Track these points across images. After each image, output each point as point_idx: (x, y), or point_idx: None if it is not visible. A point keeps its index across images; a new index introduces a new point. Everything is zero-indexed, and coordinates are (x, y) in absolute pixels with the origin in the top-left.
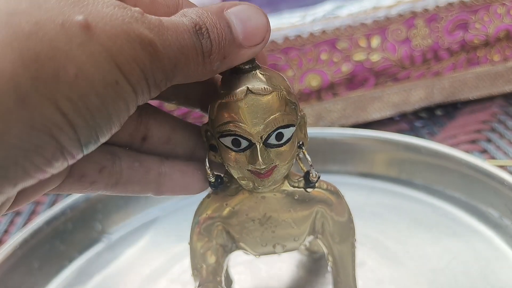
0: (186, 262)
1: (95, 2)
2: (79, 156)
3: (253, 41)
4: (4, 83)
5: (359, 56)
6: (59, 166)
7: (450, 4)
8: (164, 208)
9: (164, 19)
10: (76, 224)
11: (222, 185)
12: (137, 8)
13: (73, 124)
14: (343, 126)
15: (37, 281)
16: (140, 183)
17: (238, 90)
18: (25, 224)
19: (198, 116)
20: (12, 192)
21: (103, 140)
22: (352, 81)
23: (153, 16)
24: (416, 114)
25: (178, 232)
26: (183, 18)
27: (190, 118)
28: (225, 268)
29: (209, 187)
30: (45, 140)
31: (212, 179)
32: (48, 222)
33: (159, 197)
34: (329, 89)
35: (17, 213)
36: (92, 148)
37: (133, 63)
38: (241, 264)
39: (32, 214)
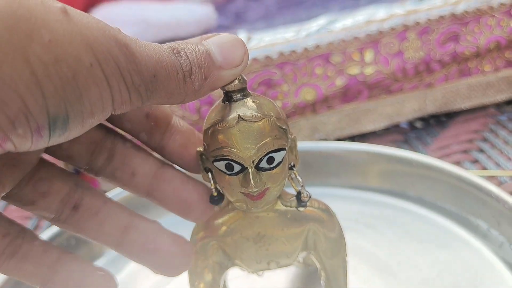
0: (185, 277)
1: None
2: (45, 136)
3: (232, 62)
4: None
5: (352, 70)
6: (22, 138)
7: (441, 17)
8: (163, 223)
9: (139, 40)
10: (79, 240)
11: (222, 201)
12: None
13: (42, 86)
14: (338, 138)
15: None
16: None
17: (230, 117)
18: None
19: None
20: None
21: (73, 128)
22: (346, 94)
23: (128, 36)
24: (410, 124)
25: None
26: (159, 45)
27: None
28: (221, 284)
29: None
30: (10, 96)
31: (215, 193)
32: (52, 238)
33: (158, 212)
34: (323, 102)
35: None
36: (59, 133)
37: (108, 54)
38: (238, 278)
39: (36, 229)
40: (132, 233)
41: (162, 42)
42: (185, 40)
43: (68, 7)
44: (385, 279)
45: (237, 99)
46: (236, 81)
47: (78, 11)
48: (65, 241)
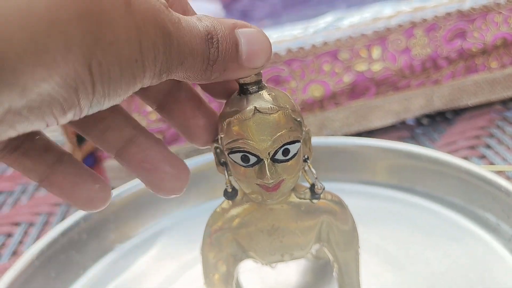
0: (197, 269)
1: None
2: (80, 117)
3: (253, 64)
4: (57, 30)
5: (360, 66)
6: (62, 121)
7: (448, 14)
8: (174, 217)
9: (182, 17)
10: (90, 234)
11: (236, 196)
12: (163, 0)
13: (95, 87)
14: (345, 134)
15: None
16: None
17: (246, 109)
18: (39, 234)
19: None
20: (13, 133)
21: (101, 109)
22: (354, 91)
23: (173, 12)
24: (417, 121)
25: (188, 241)
26: (198, 22)
27: None
28: (235, 276)
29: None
30: (70, 94)
31: (230, 189)
32: (63, 233)
33: (167, 208)
34: (331, 99)
35: (31, 224)
36: (90, 113)
37: (151, 47)
38: (250, 271)
39: (46, 224)
40: (133, 148)
41: None
42: (221, 20)
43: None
44: (394, 273)
45: (252, 92)
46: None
47: None
48: (76, 235)
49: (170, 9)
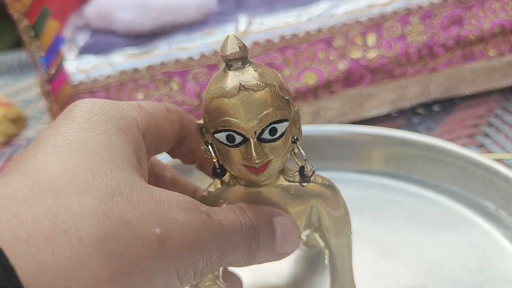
0: None
1: (170, 208)
2: None
3: (285, 250)
4: None
5: (355, 54)
6: None
7: (445, 0)
8: None
9: (224, 219)
10: None
11: (225, 175)
12: (205, 209)
13: None
14: (340, 123)
15: None
16: None
17: (231, 86)
18: None
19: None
20: None
21: None
22: (349, 79)
23: (216, 218)
24: (413, 110)
25: None
26: (241, 217)
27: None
28: None
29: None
30: None
31: (218, 166)
32: None
33: None
34: (326, 87)
35: None
36: None
37: (188, 267)
38: None
39: None
40: None
41: (162, 26)
42: (261, 210)
43: (164, 229)
44: (389, 261)
45: (238, 68)
46: (237, 48)
47: (174, 224)
48: None
49: (211, 215)
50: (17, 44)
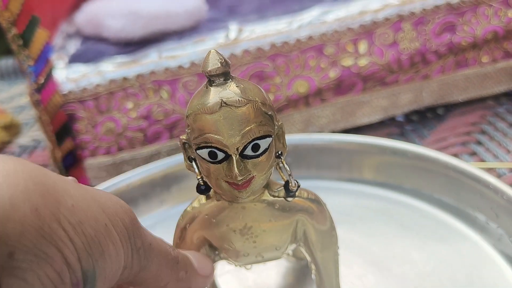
0: None
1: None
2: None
3: (204, 272)
4: (19, 194)
5: (346, 61)
6: None
7: (437, 7)
8: (155, 217)
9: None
10: None
11: (209, 191)
12: None
13: (74, 241)
14: (332, 131)
15: None
16: None
17: (212, 102)
18: None
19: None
20: None
21: (100, 279)
22: (340, 86)
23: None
24: (406, 117)
25: (168, 240)
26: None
27: (179, 126)
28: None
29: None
30: (53, 251)
31: (202, 183)
32: None
33: (148, 207)
34: (317, 95)
35: None
36: (91, 284)
37: (116, 216)
38: (228, 273)
39: None
40: None
41: (152, 34)
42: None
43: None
44: (379, 274)
45: (219, 83)
46: (219, 64)
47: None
48: None
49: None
50: (10, 50)
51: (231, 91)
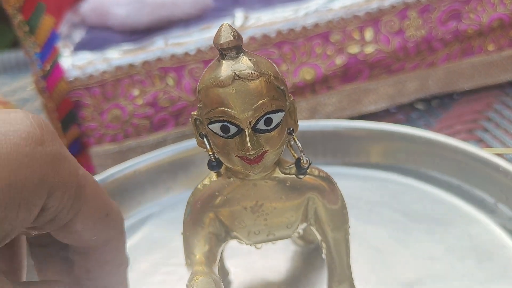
0: (182, 256)
1: None
2: None
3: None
4: None
5: (352, 49)
6: None
7: None
8: (161, 204)
9: None
10: None
11: (221, 167)
12: None
13: None
14: (338, 119)
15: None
16: None
17: (225, 75)
18: None
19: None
20: None
21: None
22: (346, 74)
23: None
24: (412, 105)
25: (175, 228)
26: None
27: (185, 113)
28: (218, 257)
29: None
30: None
31: (213, 159)
32: None
33: (154, 194)
34: (323, 82)
35: None
36: None
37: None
38: (237, 256)
39: None
40: None
41: (157, 21)
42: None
43: None
44: (388, 256)
45: (232, 57)
46: (231, 37)
47: None
48: None
49: None
50: (15, 43)
51: (243, 64)
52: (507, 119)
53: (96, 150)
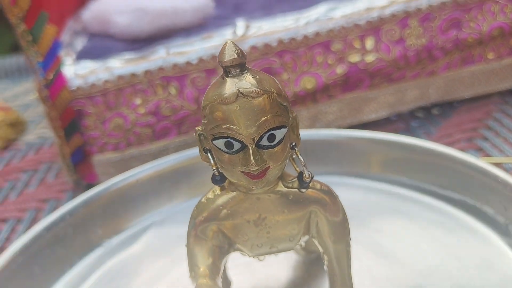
0: (185, 265)
1: None
2: None
3: None
4: None
5: (353, 58)
6: None
7: (443, 3)
8: (164, 212)
9: None
10: (76, 229)
11: (224, 182)
12: None
13: None
14: (339, 127)
15: (39, 286)
16: None
17: (229, 93)
18: (26, 231)
19: (194, 120)
20: None
21: None
22: (347, 83)
23: None
24: (412, 113)
25: (178, 236)
26: None
27: (187, 122)
28: (222, 269)
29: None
30: None
31: (217, 173)
32: (48, 228)
33: (157, 202)
34: (324, 91)
35: (19, 220)
36: None
37: None
38: (239, 266)
39: (33, 221)
40: None
41: (159, 30)
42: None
43: None
44: (388, 266)
45: (236, 74)
46: (235, 55)
47: None
48: (61, 230)
49: None
50: (16, 48)
51: (247, 82)
52: (507, 128)
53: (98, 159)
